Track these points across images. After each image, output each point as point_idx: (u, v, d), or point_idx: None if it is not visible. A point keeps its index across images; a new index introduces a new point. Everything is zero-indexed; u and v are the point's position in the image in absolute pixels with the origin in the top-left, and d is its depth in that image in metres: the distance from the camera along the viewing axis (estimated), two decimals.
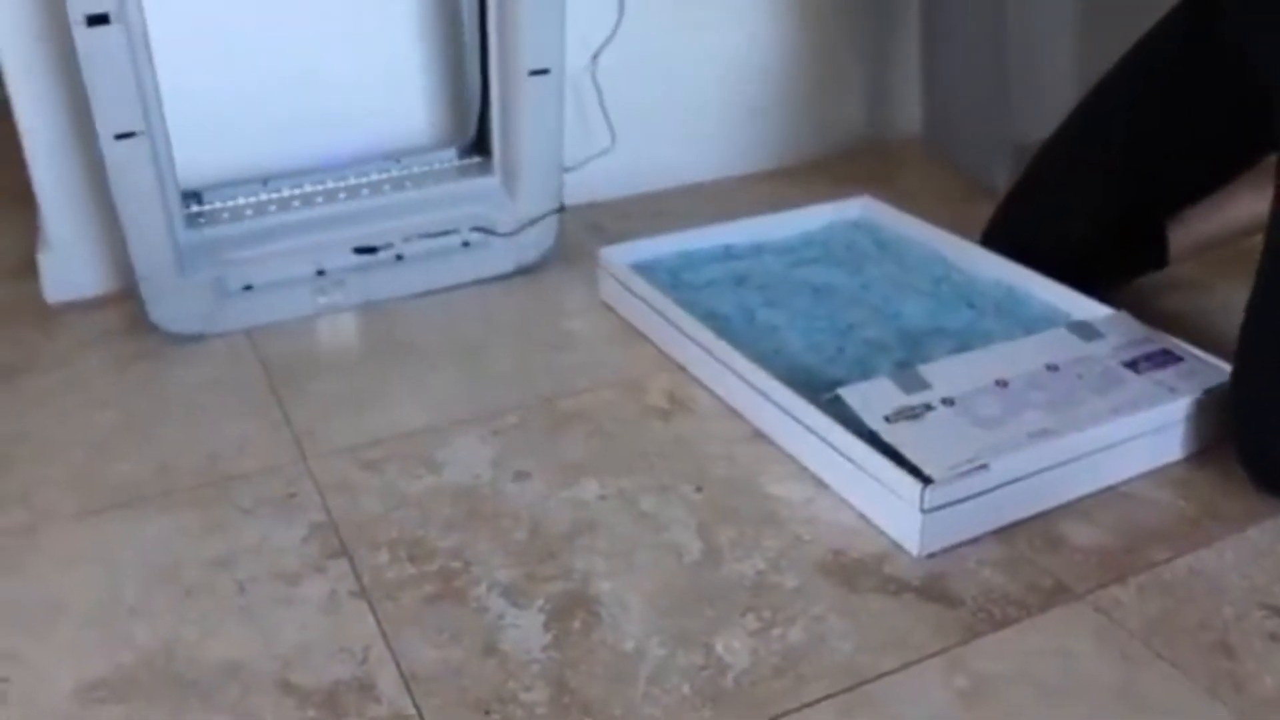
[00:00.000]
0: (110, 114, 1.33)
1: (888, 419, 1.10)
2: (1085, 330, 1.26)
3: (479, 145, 1.61)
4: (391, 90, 1.59)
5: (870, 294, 1.43)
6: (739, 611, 0.97)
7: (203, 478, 1.17)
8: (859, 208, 1.63)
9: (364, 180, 1.56)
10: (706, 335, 1.28)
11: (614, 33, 1.68)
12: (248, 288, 1.45)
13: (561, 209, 1.57)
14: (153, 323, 1.42)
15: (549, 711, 0.87)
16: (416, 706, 0.88)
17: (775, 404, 1.18)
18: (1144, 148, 1.39)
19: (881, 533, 1.06)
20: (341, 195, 1.54)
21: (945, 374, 1.17)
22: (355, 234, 1.49)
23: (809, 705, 0.87)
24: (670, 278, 1.46)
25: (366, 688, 0.90)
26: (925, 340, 1.32)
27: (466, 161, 1.61)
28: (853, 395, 1.13)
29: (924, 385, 1.15)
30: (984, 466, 1.04)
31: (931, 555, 1.02)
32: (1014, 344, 1.26)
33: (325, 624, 0.97)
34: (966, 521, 1.04)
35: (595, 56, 1.69)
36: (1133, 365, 1.20)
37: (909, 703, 0.87)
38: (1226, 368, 1.16)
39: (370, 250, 1.50)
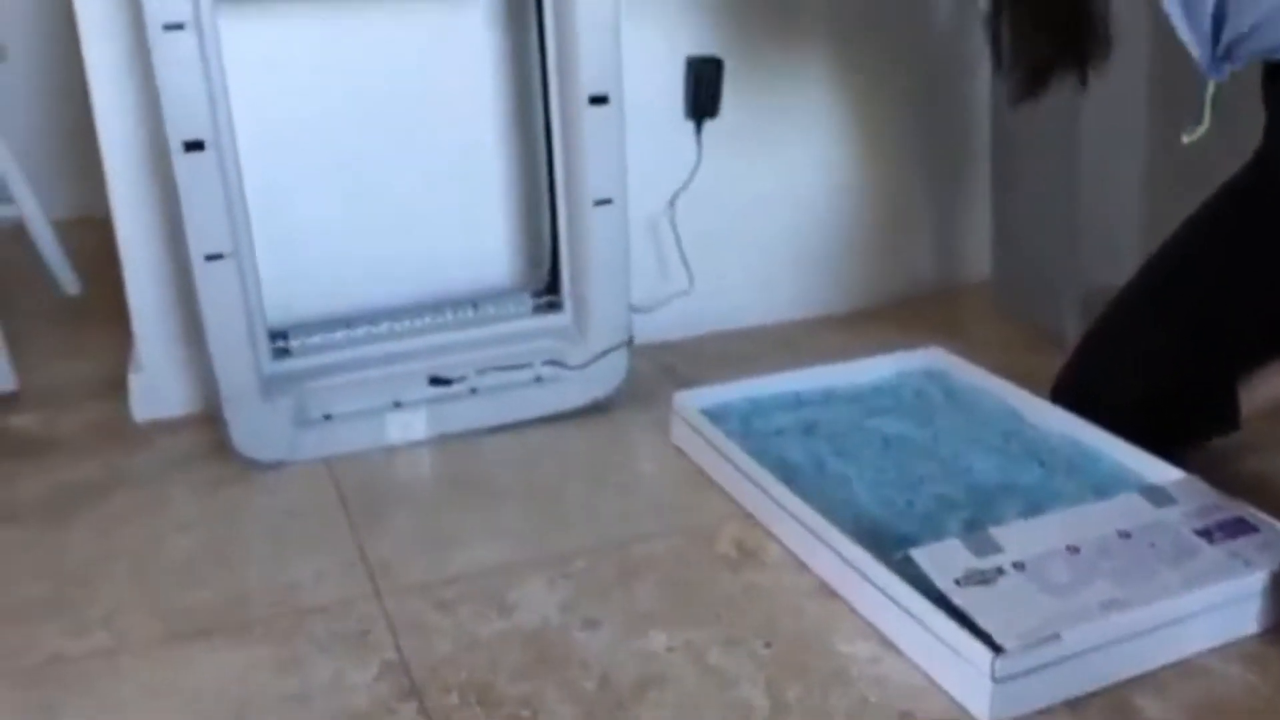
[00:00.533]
0: (202, 235, 1.40)
1: (958, 582, 1.10)
2: (1157, 495, 1.25)
3: (551, 284, 1.65)
4: (473, 237, 1.65)
5: (940, 447, 1.44)
6: None
7: (279, 609, 1.19)
8: (929, 357, 1.65)
9: (441, 319, 1.60)
10: (776, 485, 1.30)
11: (691, 177, 1.74)
12: (327, 417, 1.49)
13: (630, 341, 1.61)
14: (235, 447, 1.46)
15: None
16: None
17: (844, 559, 1.18)
18: (1214, 306, 1.39)
19: (950, 698, 1.05)
20: (418, 330, 1.59)
21: (1016, 537, 1.17)
22: (431, 366, 1.54)
23: None
24: (741, 424, 1.48)
25: None
26: (995, 497, 1.33)
27: (539, 300, 1.65)
28: (924, 556, 1.13)
29: (995, 548, 1.15)
30: (1055, 637, 1.03)
31: None
32: (1085, 508, 1.25)
33: None
34: (1037, 691, 1.03)
35: (673, 200, 1.74)
36: (1206, 534, 1.19)
37: None
38: None
39: (445, 382, 1.54)
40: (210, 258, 1.41)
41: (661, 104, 1.73)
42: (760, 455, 1.37)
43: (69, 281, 2.13)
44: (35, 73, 2.41)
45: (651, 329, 1.73)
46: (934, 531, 1.24)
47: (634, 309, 1.64)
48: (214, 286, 1.42)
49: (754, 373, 1.62)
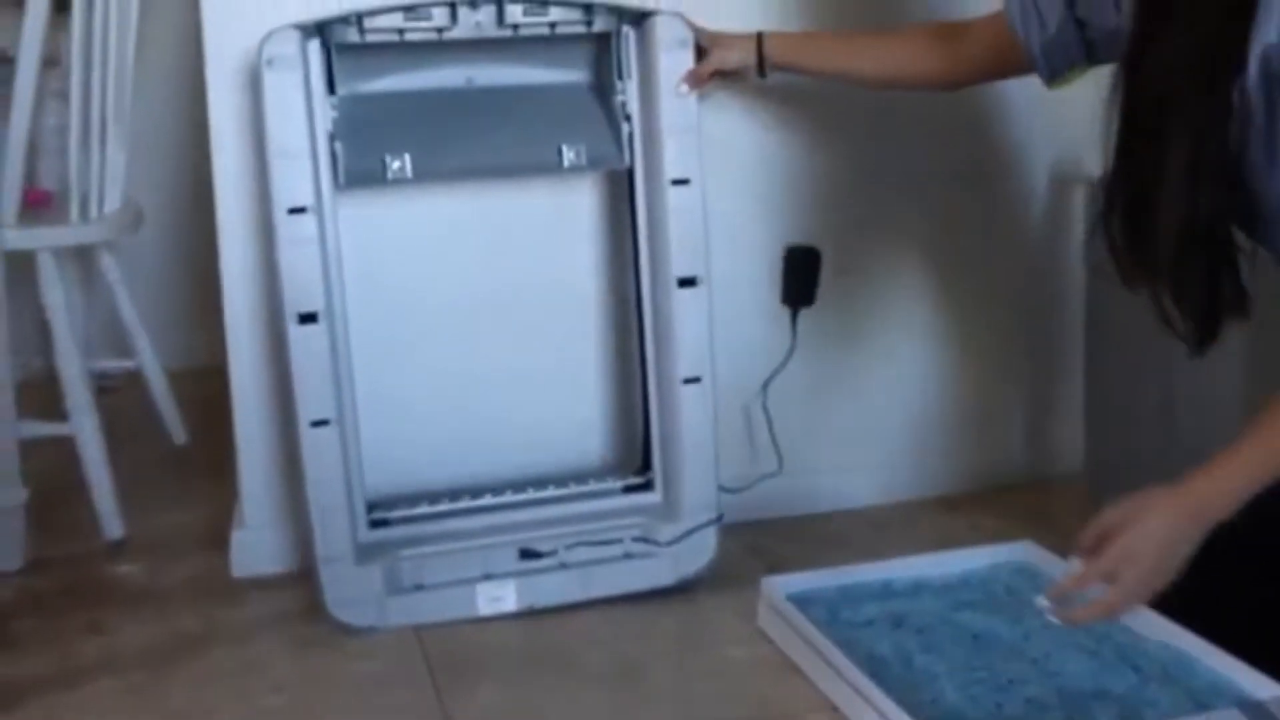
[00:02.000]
0: (310, 402, 1.47)
1: None
2: (1258, 712, 1.22)
3: (643, 463, 1.68)
4: (568, 415, 1.69)
5: (1030, 646, 1.42)
6: None
7: None
8: (1021, 551, 1.63)
9: (534, 494, 1.63)
10: (863, 680, 1.29)
11: (785, 362, 1.77)
12: (419, 586, 1.52)
13: (719, 519, 1.62)
14: (328, 609, 1.49)
15: None
16: None
17: None
18: None
19: None
20: (511, 504, 1.62)
21: None
22: (522, 539, 1.56)
23: None
24: (829, 614, 1.48)
25: None
26: (1088, 703, 1.30)
27: (630, 479, 1.67)
28: None
29: None
30: None
31: None
32: None
33: None
34: None
35: (766, 385, 1.77)
36: None
37: None
38: None
39: (536, 555, 1.56)
40: (316, 424, 1.47)
41: (759, 290, 1.78)
42: (848, 646, 1.36)
43: (177, 431, 2.20)
44: (167, 233, 2.55)
45: (741, 510, 1.74)
46: None
47: (723, 489, 1.66)
48: (318, 452, 1.47)
49: (843, 556, 1.62)
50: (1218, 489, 1.15)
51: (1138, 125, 1.20)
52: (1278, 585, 1.37)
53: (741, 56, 1.58)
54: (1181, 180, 1.16)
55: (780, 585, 1.50)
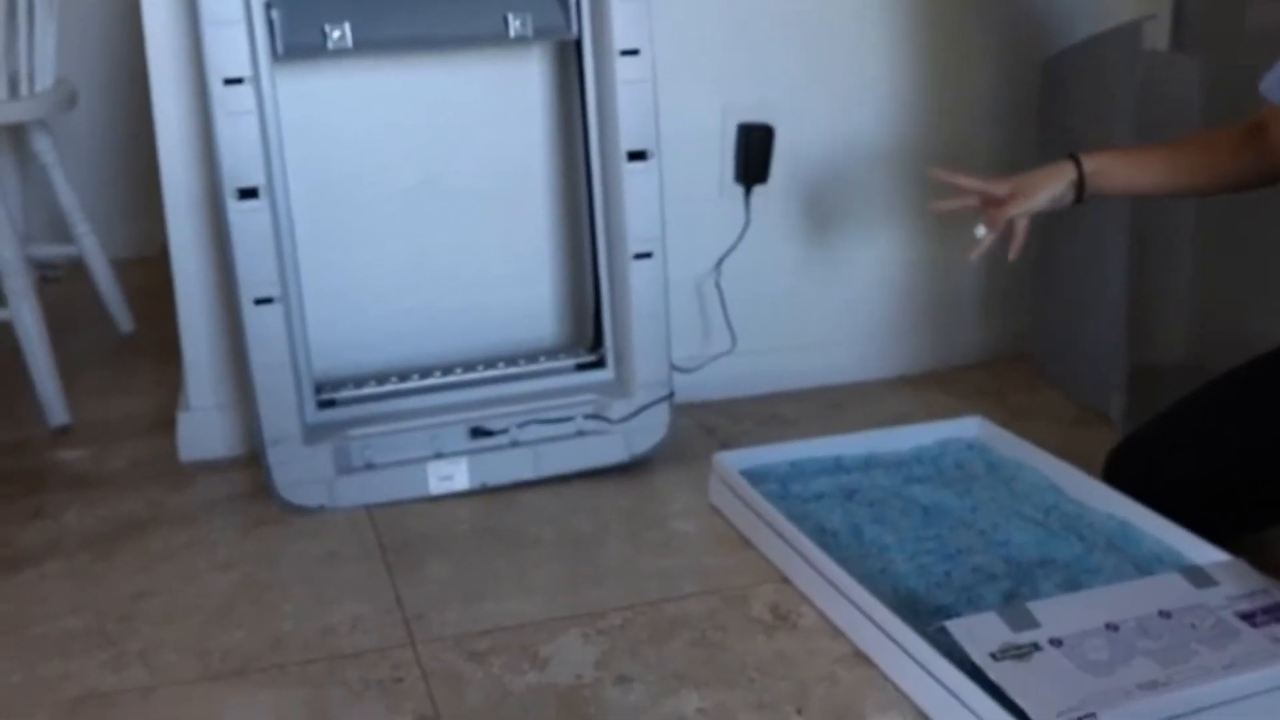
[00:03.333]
0: (252, 279, 1.44)
1: (994, 656, 1.09)
2: (1199, 576, 1.24)
3: (594, 340, 1.66)
4: (518, 293, 1.67)
5: (979, 518, 1.43)
6: None
7: (314, 653, 1.20)
8: (971, 427, 1.64)
9: (484, 373, 1.62)
10: (814, 550, 1.29)
11: (738, 241, 1.75)
12: (369, 465, 1.50)
13: (671, 397, 1.61)
14: (275, 490, 1.48)
15: None
16: None
17: (880, 628, 1.18)
18: None
19: None
20: (461, 383, 1.60)
21: (1055, 612, 1.16)
22: (473, 419, 1.55)
23: None
24: (780, 488, 1.48)
25: None
26: (1033, 571, 1.31)
27: (582, 356, 1.66)
28: (960, 629, 1.12)
29: (1033, 623, 1.14)
30: (1091, 716, 1.02)
31: None
32: (1126, 585, 1.24)
33: None
34: None
35: (719, 263, 1.75)
36: (1249, 617, 1.17)
37: None
38: None
39: (487, 434, 1.55)
40: (259, 301, 1.44)
41: (711, 168, 1.75)
42: (798, 519, 1.37)
43: (123, 319, 2.16)
44: (102, 118, 2.47)
45: (694, 389, 1.73)
46: (971, 603, 1.24)
47: (677, 369, 1.65)
48: (261, 331, 1.45)
49: (796, 434, 1.62)
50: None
51: None
52: (1235, 456, 1.37)
53: (1057, 187, 1.41)
54: None
55: (731, 460, 1.50)
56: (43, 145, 2.01)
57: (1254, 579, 1.23)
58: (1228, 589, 1.21)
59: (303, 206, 1.51)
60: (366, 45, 1.48)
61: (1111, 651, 1.11)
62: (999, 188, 1.44)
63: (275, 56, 1.45)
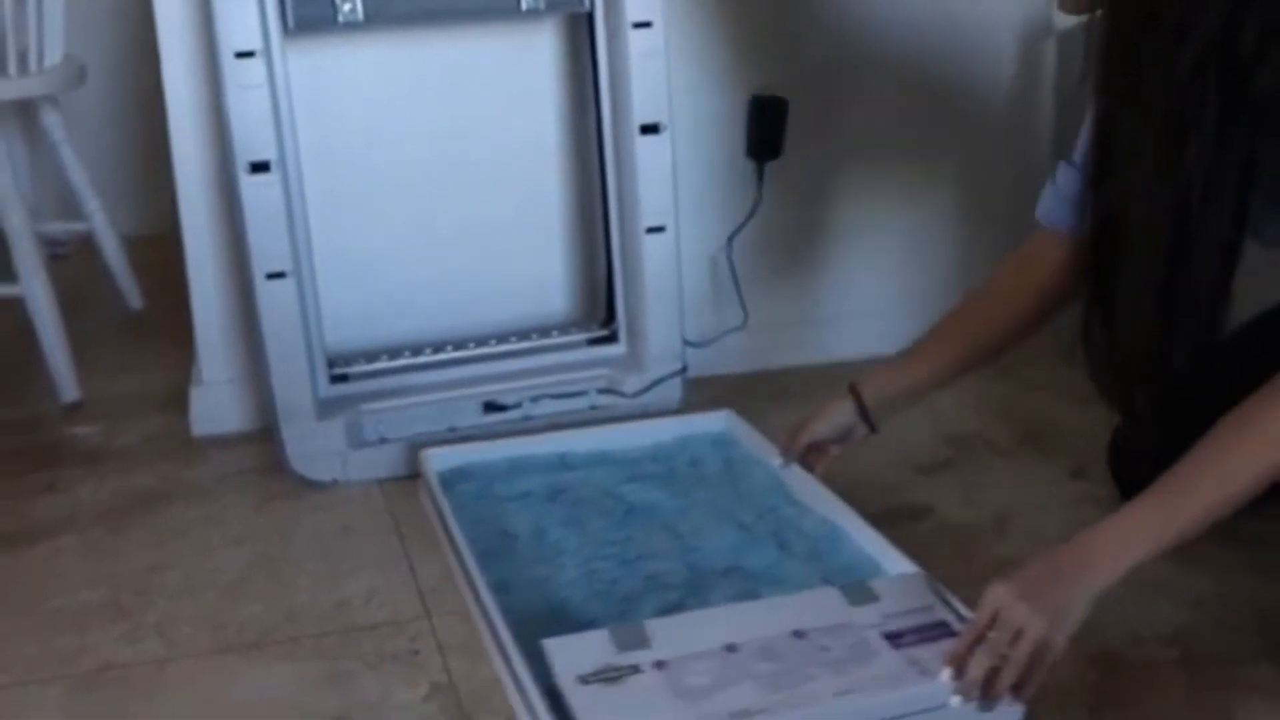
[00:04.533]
0: (264, 254, 1.43)
1: (583, 679, 1.00)
2: (860, 593, 1.14)
3: (607, 315, 1.66)
4: (530, 268, 1.66)
5: (684, 521, 1.34)
6: None
7: (329, 625, 1.20)
8: (720, 422, 1.55)
9: (497, 348, 1.61)
10: (465, 553, 1.21)
11: (751, 216, 1.74)
12: (382, 440, 1.50)
13: (684, 371, 1.61)
14: (288, 464, 1.48)
15: None
16: None
17: (496, 641, 1.09)
18: None
19: None
20: (474, 358, 1.60)
21: (673, 632, 1.07)
22: (486, 393, 1.55)
23: None
24: (481, 487, 1.41)
25: None
26: (715, 580, 1.23)
27: (594, 331, 1.66)
28: (557, 647, 1.04)
29: (644, 643, 1.05)
30: None
31: None
32: (769, 602, 1.17)
33: None
34: None
35: (732, 238, 1.75)
36: (895, 637, 1.07)
37: None
38: None
39: (500, 408, 1.55)
40: (271, 276, 1.44)
41: (725, 142, 1.74)
42: (484, 521, 1.31)
43: (133, 296, 2.16)
44: (112, 94, 2.46)
45: (706, 364, 1.73)
46: (624, 615, 1.16)
47: (688, 344, 1.65)
48: (274, 304, 1.44)
49: (804, 410, 1.61)
50: (1110, 541, 1.02)
51: (1100, 257, 1.14)
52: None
53: (836, 423, 1.36)
54: (1147, 310, 1.11)
55: (441, 457, 1.43)
56: (51, 121, 2.01)
57: (923, 596, 1.13)
58: (887, 606, 1.11)
59: (314, 181, 1.51)
60: (378, 18, 1.48)
61: (718, 676, 1.02)
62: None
63: (286, 30, 1.45)
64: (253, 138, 1.41)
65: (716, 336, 1.75)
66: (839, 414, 1.35)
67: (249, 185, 1.42)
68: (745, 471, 1.45)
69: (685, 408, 1.61)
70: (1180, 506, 1.02)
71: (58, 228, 2.21)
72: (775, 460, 1.40)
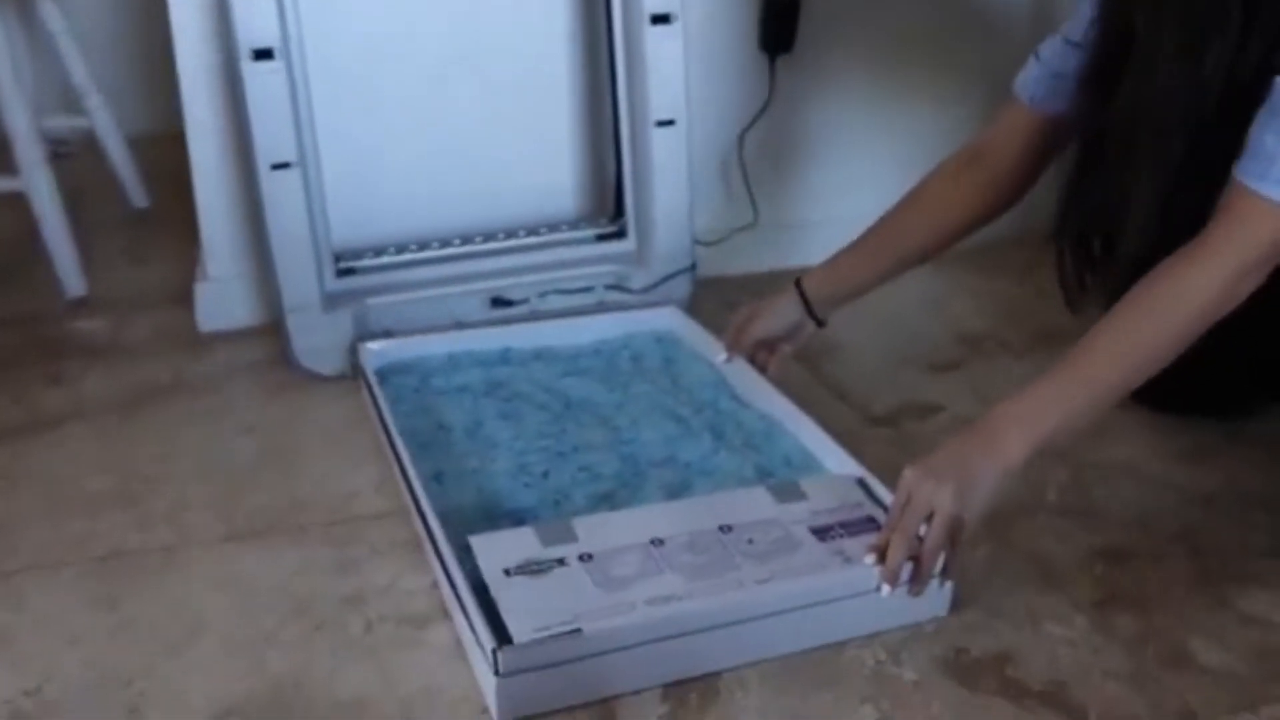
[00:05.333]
0: (268, 144, 1.41)
1: (507, 572, 1.01)
2: (786, 491, 1.15)
3: (615, 211, 1.64)
4: (538, 163, 1.63)
5: (621, 414, 1.34)
6: None
7: (337, 514, 1.21)
8: (662, 319, 1.55)
9: (505, 243, 1.60)
10: (399, 445, 1.21)
11: (762, 111, 1.72)
12: (388, 333, 1.50)
13: (693, 268, 1.60)
14: (295, 358, 1.47)
15: None
16: None
17: (425, 534, 1.09)
18: None
19: (480, 691, 0.96)
20: (482, 253, 1.59)
21: (600, 527, 1.08)
22: (492, 288, 1.54)
23: None
24: (419, 380, 1.41)
25: None
26: (647, 472, 1.23)
27: (603, 227, 1.64)
28: (483, 544, 1.05)
29: (570, 538, 1.06)
30: (576, 631, 0.94)
31: None
32: (696, 500, 1.17)
33: (449, 671, 0.99)
34: (556, 689, 0.94)
35: (743, 135, 1.72)
36: (822, 532, 1.08)
37: None
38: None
39: (507, 303, 1.54)
40: (276, 167, 1.42)
41: (736, 36, 1.70)
42: (420, 414, 1.32)
43: (138, 195, 2.14)
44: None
45: (715, 263, 1.72)
46: (556, 506, 1.17)
47: (697, 242, 1.63)
48: (279, 196, 1.43)
49: None
50: (1016, 416, 1.01)
51: (1106, 155, 1.12)
52: None
53: (784, 318, 1.35)
54: (1150, 217, 1.10)
55: (383, 351, 1.43)
56: (49, 12, 1.97)
57: (852, 493, 1.14)
58: (815, 504, 1.12)
59: (321, 74, 1.48)
60: None
61: (641, 567, 1.02)
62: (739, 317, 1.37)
63: None
64: (256, 23, 1.38)
65: (726, 235, 1.74)
66: (785, 308, 1.35)
67: (252, 73, 1.39)
68: (687, 367, 1.45)
69: (693, 308, 1.60)
70: (1086, 377, 1.02)
71: (60, 123, 2.17)
72: (719, 356, 1.39)
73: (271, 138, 1.40)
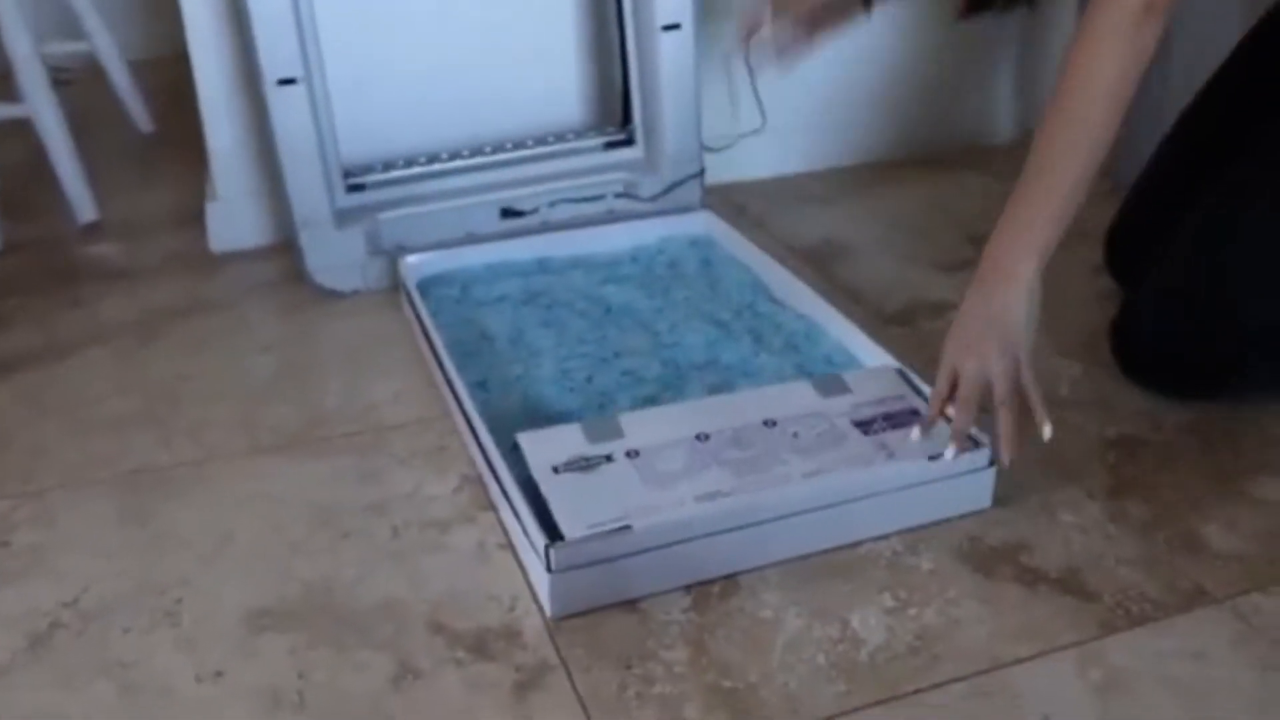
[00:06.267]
0: (273, 60, 1.40)
1: (556, 469, 1.01)
2: (831, 384, 1.15)
3: (623, 119, 1.64)
4: (544, 72, 1.62)
5: (661, 319, 1.35)
6: None
7: (359, 425, 1.22)
8: (699, 224, 1.55)
9: (513, 153, 1.59)
10: (442, 352, 1.23)
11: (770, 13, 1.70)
12: (401, 248, 1.50)
13: (702, 173, 1.59)
14: (309, 276, 1.48)
15: (688, 670, 0.90)
16: (561, 657, 0.91)
17: (472, 436, 1.11)
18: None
19: (533, 588, 0.98)
20: (490, 164, 1.58)
21: (646, 424, 1.08)
22: (503, 199, 1.54)
23: None
24: (460, 291, 1.42)
25: (513, 635, 0.94)
26: (689, 375, 1.24)
27: (610, 135, 1.63)
28: (530, 441, 1.05)
29: (617, 434, 1.06)
30: (626, 528, 0.94)
31: (569, 618, 0.95)
32: (741, 395, 1.18)
33: (474, 572, 1.01)
34: (608, 585, 0.95)
35: (749, 38, 1.70)
36: (866, 424, 1.08)
37: None
38: (973, 431, 1.05)
39: (517, 214, 1.54)
40: (283, 82, 1.41)
41: None
42: (462, 324, 1.33)
43: (142, 119, 2.14)
44: None
45: (723, 169, 1.71)
46: (601, 410, 1.18)
47: (705, 148, 1.63)
48: (286, 112, 1.42)
49: (828, 214, 1.60)
50: (1009, 244, 1.04)
51: None
52: None
53: None
54: None
55: (417, 263, 1.43)
56: None
57: (896, 386, 1.14)
58: (858, 396, 1.12)
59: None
60: None
61: (687, 462, 1.02)
62: None
63: None
64: None
65: (734, 140, 1.73)
66: None
67: None
68: (722, 273, 1.46)
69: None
70: (1052, 181, 1.04)
71: (59, 49, 2.16)
72: (757, 34, 1.33)
73: (276, 53, 1.39)
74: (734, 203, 1.71)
